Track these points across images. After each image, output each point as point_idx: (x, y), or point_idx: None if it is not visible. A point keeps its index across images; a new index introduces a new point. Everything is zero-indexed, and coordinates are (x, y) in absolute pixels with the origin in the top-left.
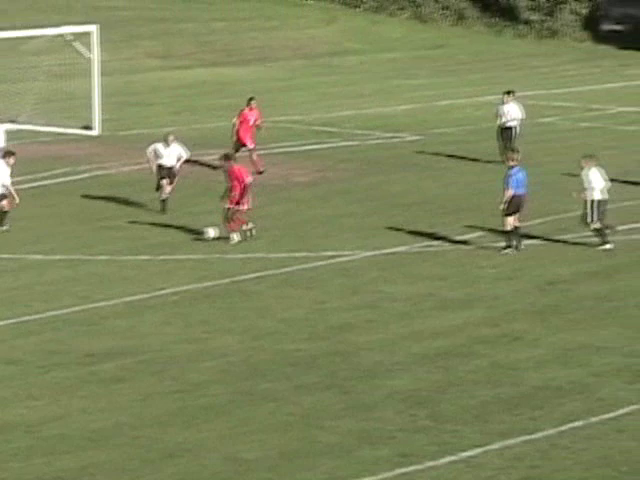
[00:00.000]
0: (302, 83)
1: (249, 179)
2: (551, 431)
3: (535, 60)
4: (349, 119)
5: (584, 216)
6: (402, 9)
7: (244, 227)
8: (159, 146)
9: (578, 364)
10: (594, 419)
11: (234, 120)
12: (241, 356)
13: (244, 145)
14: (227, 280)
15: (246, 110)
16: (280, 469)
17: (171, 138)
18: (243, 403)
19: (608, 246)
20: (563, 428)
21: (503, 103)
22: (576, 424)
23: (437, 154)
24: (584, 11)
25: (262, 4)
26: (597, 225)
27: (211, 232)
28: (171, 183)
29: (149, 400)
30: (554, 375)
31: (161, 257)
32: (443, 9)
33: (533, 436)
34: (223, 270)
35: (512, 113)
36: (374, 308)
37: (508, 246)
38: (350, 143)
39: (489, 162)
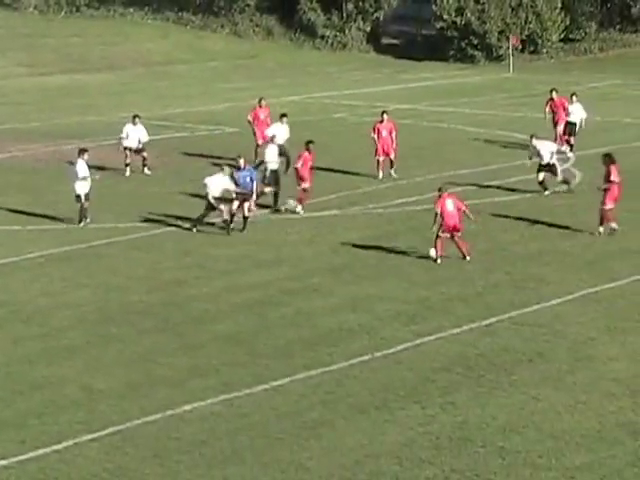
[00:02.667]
0: (142, 87)
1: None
2: (344, 364)
3: (329, 67)
4: (180, 115)
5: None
6: (222, 26)
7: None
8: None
9: (365, 310)
10: (378, 354)
11: (249, 118)
12: (94, 306)
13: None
14: (84, 245)
15: (257, 108)
16: (127, 397)
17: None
18: (96, 344)
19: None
20: (353, 361)
21: (572, 103)
22: (364, 358)
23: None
24: (368, 28)
25: (110, 22)
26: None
27: (291, 203)
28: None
29: (19, 342)
30: (346, 319)
31: (29, 227)
32: (256, 26)
33: (329, 368)
34: (80, 237)
35: (577, 112)
36: (201, 267)
37: None
38: (181, 134)
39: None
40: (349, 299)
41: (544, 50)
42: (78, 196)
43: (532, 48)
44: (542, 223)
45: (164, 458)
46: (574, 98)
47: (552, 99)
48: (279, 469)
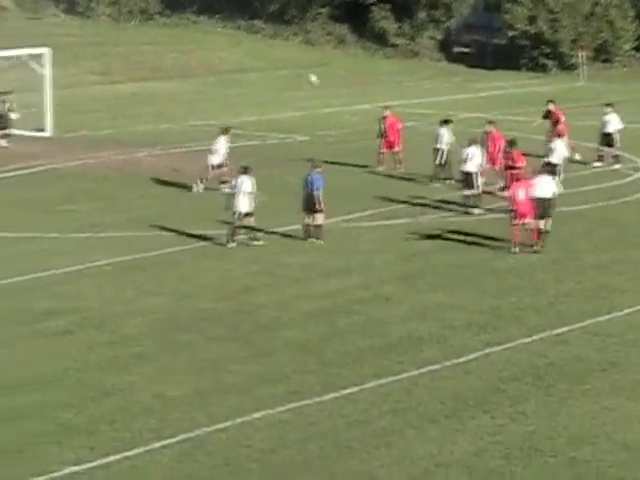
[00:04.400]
0: (214, 95)
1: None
2: (414, 372)
3: (400, 76)
4: (251, 123)
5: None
6: (295, 34)
7: None
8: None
9: (435, 319)
10: (448, 363)
11: (383, 126)
12: (165, 314)
13: (392, 147)
14: (155, 253)
15: (390, 116)
16: (196, 404)
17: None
18: (166, 351)
19: None
20: (423, 370)
21: (606, 114)
22: (434, 367)
23: (321, 152)
24: (439, 37)
25: (181, 30)
26: None
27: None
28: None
29: (91, 349)
30: (416, 327)
31: (100, 235)
32: (327, 35)
33: (399, 377)
34: (151, 245)
35: (613, 123)
36: (271, 274)
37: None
38: (252, 143)
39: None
40: (420, 308)
41: (616, 59)
42: (235, 212)
43: (604, 57)
44: (613, 232)
45: (234, 466)
46: (609, 109)
47: (550, 111)
48: (348, 478)
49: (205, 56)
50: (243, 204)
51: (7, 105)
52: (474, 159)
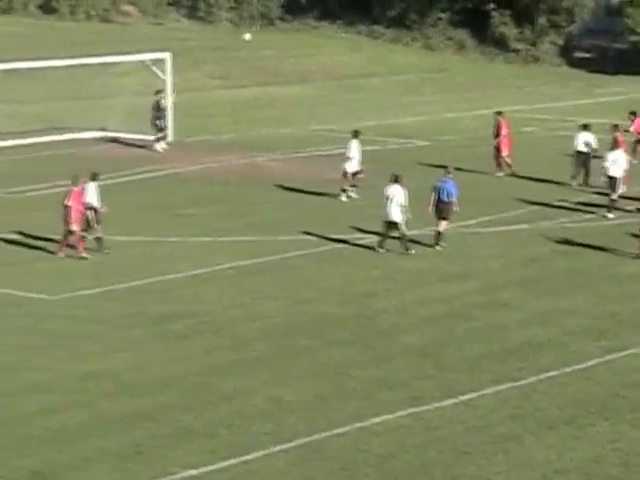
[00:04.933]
0: (334, 100)
1: None
2: (532, 379)
3: (520, 81)
4: (372, 128)
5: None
6: (415, 40)
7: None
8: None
9: (555, 325)
10: (567, 369)
11: (503, 133)
12: (284, 318)
13: (501, 152)
14: (275, 257)
15: (501, 120)
16: (315, 409)
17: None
18: (285, 356)
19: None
20: (542, 376)
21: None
22: (552, 373)
23: (442, 157)
24: (560, 42)
25: (303, 36)
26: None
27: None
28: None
29: (210, 353)
30: (535, 333)
31: (221, 239)
32: (447, 40)
33: (518, 383)
34: (272, 249)
35: None
36: (391, 279)
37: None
38: (373, 147)
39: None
40: (539, 313)
41: None
42: (393, 223)
43: None
44: None
45: (352, 470)
46: None
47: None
48: None
49: (326, 61)
50: (395, 214)
51: (162, 102)
52: (618, 163)
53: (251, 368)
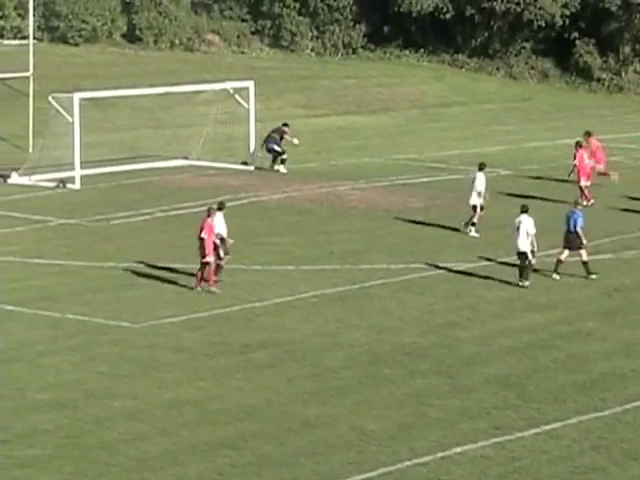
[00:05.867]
0: (417, 128)
1: None
2: (617, 409)
3: (604, 110)
4: (455, 157)
5: None
6: (497, 69)
7: None
8: None
9: (639, 355)
10: None
11: (577, 163)
12: (366, 347)
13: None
14: (356, 286)
15: (578, 150)
16: (397, 438)
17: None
18: (367, 385)
19: None
20: (627, 407)
21: None
22: (637, 403)
23: (524, 186)
24: None
25: (385, 64)
26: None
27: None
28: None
29: (292, 382)
30: (619, 364)
31: (303, 267)
32: (531, 69)
33: (602, 413)
34: (353, 278)
35: None
36: (473, 309)
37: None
38: (456, 176)
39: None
40: (623, 344)
41: None
42: (522, 253)
43: None
44: None
45: None
46: None
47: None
48: None
49: (408, 90)
50: (523, 243)
51: (288, 129)
52: None
53: (333, 397)
